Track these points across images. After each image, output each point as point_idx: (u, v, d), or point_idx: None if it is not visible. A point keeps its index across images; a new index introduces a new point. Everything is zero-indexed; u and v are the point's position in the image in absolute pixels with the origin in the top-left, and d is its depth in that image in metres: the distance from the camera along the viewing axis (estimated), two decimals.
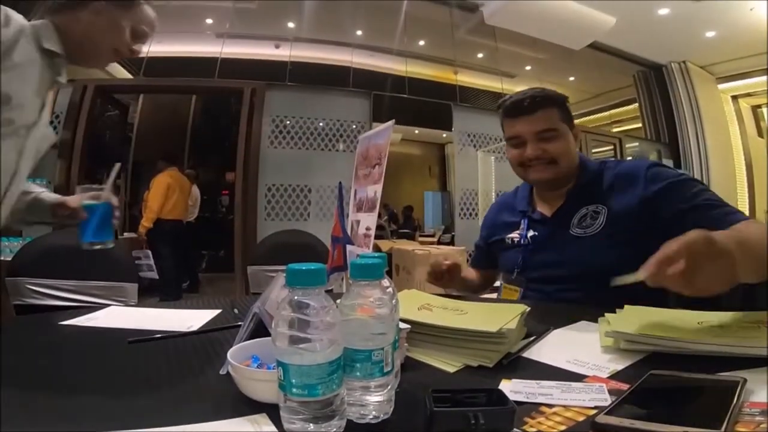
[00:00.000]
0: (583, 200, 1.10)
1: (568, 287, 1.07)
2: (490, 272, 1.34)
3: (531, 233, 1.16)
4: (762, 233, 0.78)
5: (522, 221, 1.19)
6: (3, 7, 0.96)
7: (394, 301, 0.49)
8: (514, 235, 1.20)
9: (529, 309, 0.79)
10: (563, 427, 0.44)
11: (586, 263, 1.04)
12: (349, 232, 2.30)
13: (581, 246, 1.06)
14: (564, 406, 0.48)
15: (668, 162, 6.39)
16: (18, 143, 1.01)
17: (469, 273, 1.34)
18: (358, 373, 0.45)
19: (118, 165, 1.15)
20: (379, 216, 7.96)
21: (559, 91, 1.17)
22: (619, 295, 0.80)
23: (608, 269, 0.80)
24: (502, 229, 1.25)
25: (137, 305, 1.38)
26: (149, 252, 4.22)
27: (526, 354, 0.68)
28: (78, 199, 1.10)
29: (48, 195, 1.18)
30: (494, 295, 1.27)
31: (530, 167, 1.13)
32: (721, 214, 0.92)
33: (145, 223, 4.32)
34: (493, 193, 4.91)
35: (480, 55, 6.08)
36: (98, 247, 1.04)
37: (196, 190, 5.32)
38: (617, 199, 1.06)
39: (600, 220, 1.06)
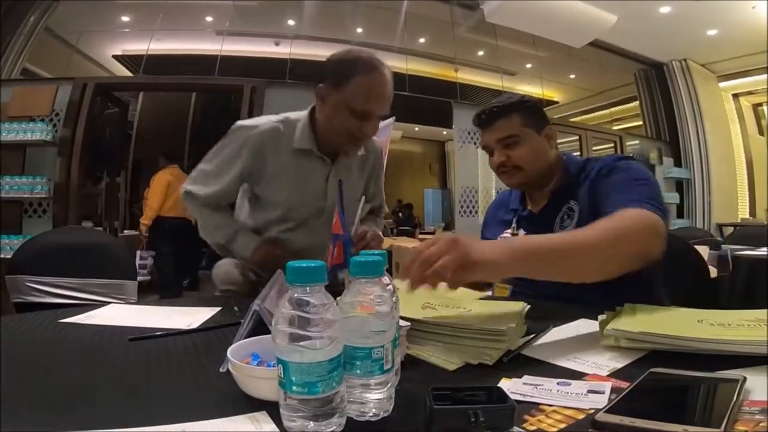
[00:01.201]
0: (564, 199, 1.13)
1: (549, 283, 1.07)
2: None
3: (521, 232, 1.19)
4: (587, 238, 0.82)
5: (513, 219, 1.24)
6: (247, 122, 1.21)
7: (394, 298, 0.49)
8: (505, 234, 1.23)
9: (529, 306, 0.79)
10: (563, 425, 0.44)
11: None
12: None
13: None
14: (564, 405, 0.48)
15: (668, 160, 6.39)
16: (311, 228, 1.24)
17: None
18: (358, 371, 0.45)
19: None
20: (397, 212, 7.94)
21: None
22: (597, 292, 0.85)
23: None
24: (496, 226, 1.29)
25: (137, 303, 1.38)
26: (152, 253, 4.23)
27: (526, 352, 0.68)
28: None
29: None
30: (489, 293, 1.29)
31: (502, 173, 1.17)
32: (626, 200, 0.93)
33: (145, 220, 4.32)
34: (494, 191, 4.91)
35: (480, 53, 6.07)
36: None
37: None
38: (589, 196, 1.08)
39: (574, 218, 1.10)
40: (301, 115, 1.21)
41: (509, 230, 1.22)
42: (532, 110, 1.15)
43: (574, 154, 6.44)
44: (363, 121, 1.10)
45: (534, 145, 1.13)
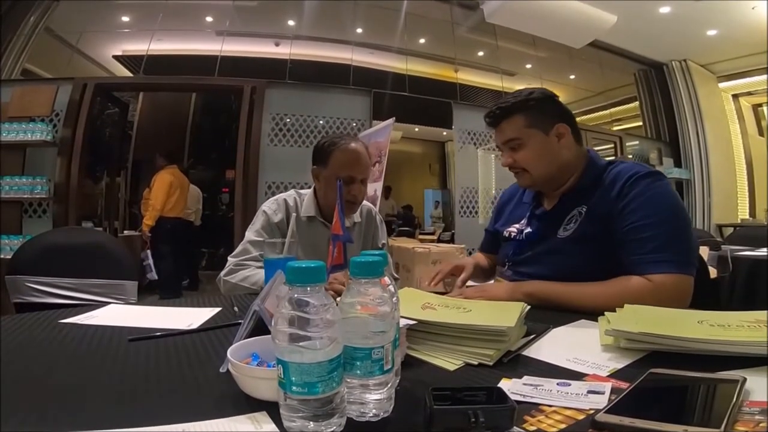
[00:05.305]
0: (576, 202, 1.09)
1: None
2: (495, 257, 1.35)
3: (527, 230, 1.17)
4: (583, 296, 0.95)
5: (526, 215, 1.21)
6: (278, 200, 1.42)
7: (394, 299, 0.49)
8: (512, 228, 1.21)
9: (529, 307, 0.79)
10: (563, 426, 0.44)
11: (563, 263, 1.04)
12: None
13: (562, 247, 1.06)
14: (564, 405, 0.48)
15: (668, 160, 6.39)
16: None
17: (479, 259, 1.37)
18: (358, 371, 0.45)
19: None
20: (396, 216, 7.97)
21: (559, 89, 1.17)
22: None
23: (579, 271, 0.98)
24: (507, 219, 1.28)
25: (137, 303, 1.38)
26: (148, 252, 4.22)
27: (526, 352, 0.68)
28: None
29: None
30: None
31: (514, 173, 1.16)
32: (638, 262, 0.95)
33: (149, 221, 4.30)
34: (494, 191, 4.91)
35: (480, 53, 6.06)
36: None
37: (196, 190, 5.28)
38: (598, 203, 1.04)
39: (578, 222, 1.06)
40: (308, 191, 1.48)
41: (517, 225, 1.21)
42: (539, 108, 1.09)
43: None
44: (349, 186, 1.34)
45: (539, 147, 1.08)
